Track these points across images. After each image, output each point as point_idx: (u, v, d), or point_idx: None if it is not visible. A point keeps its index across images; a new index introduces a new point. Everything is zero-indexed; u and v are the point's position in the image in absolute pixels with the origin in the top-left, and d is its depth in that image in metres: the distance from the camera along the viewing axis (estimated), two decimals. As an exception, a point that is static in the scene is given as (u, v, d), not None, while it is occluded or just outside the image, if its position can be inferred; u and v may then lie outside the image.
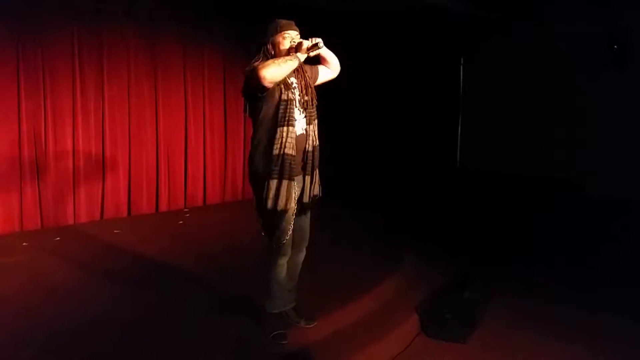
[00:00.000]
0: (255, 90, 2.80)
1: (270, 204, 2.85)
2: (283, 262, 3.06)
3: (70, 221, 5.64)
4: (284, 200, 2.86)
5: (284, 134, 2.83)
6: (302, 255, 3.22)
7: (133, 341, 3.04)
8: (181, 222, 5.92)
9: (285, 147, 2.83)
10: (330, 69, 3.16)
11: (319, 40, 2.88)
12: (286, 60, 2.76)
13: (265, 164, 2.87)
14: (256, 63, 2.84)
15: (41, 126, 5.39)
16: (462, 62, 10.51)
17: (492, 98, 9.78)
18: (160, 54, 6.23)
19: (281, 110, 2.82)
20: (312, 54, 2.89)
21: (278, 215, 2.88)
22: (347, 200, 7.28)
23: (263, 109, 2.86)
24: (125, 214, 6.08)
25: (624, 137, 7.81)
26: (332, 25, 7.77)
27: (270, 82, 2.73)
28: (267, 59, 2.87)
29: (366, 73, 8.60)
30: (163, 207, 6.39)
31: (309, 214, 3.18)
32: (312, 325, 3.24)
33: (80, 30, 5.58)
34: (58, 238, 5.08)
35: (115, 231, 5.37)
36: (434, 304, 3.78)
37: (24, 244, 4.87)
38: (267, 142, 2.87)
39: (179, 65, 6.43)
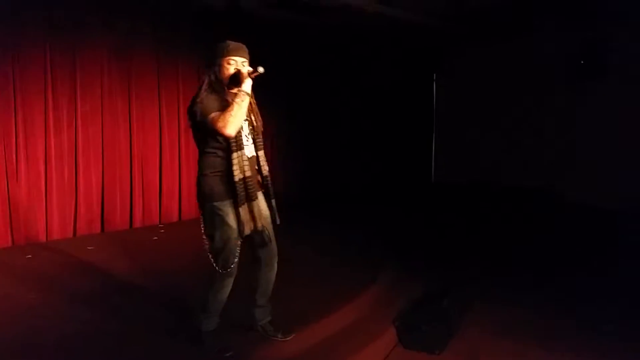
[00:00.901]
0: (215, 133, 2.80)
1: (245, 230, 2.86)
2: (229, 283, 3.02)
3: (42, 238, 5.54)
4: (250, 224, 2.88)
5: (240, 158, 2.85)
6: (274, 271, 3.21)
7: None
8: (156, 237, 5.86)
9: (244, 170, 2.86)
10: None
11: (262, 69, 2.86)
12: (239, 105, 2.75)
13: (224, 190, 2.86)
14: (204, 96, 2.84)
15: (12, 141, 5.31)
16: (434, 77, 10.70)
17: (466, 111, 9.96)
18: (134, 69, 6.21)
19: (232, 138, 2.81)
20: (253, 76, 2.87)
21: (233, 237, 2.88)
22: (323, 217, 7.32)
23: (214, 138, 2.84)
24: (98, 230, 5.99)
25: (602, 146, 7.94)
26: (303, 39, 7.89)
27: (235, 132, 2.77)
28: (212, 83, 2.89)
29: (338, 89, 8.70)
30: (137, 223, 6.31)
31: (272, 231, 3.16)
32: (289, 339, 3.24)
33: (52, 44, 5.53)
34: (30, 255, 4.98)
35: (88, 248, 5.29)
36: (411, 315, 3.80)
37: (-6, 261, 4.77)
38: (225, 169, 2.86)
39: (153, 80, 6.40)
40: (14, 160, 5.34)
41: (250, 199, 2.88)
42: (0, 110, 5.22)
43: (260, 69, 2.85)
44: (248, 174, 2.87)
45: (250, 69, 2.87)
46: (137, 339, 3.25)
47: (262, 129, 3.10)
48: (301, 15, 7.13)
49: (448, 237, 6.33)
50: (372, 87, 9.35)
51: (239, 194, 2.83)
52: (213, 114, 2.77)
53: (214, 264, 2.93)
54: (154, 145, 6.46)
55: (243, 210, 2.85)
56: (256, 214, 2.90)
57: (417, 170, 10.50)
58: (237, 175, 2.83)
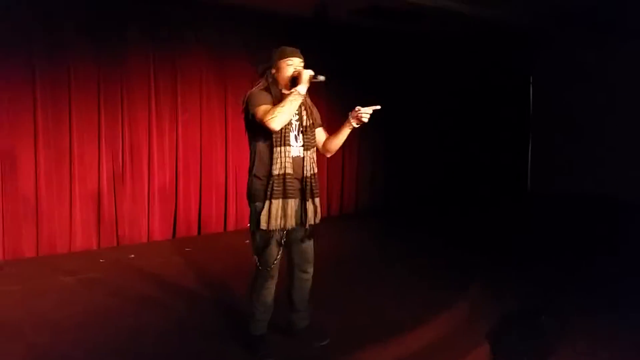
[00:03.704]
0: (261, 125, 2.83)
1: (271, 223, 2.86)
2: (270, 285, 3.04)
3: (145, 239, 5.88)
4: (279, 220, 2.87)
5: (282, 154, 2.87)
6: (306, 279, 3.18)
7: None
8: (247, 241, 5.99)
9: (285, 167, 2.87)
10: (327, 146, 3.15)
11: (323, 78, 2.90)
12: (291, 102, 2.79)
13: (264, 183, 2.90)
14: (256, 90, 2.98)
15: (119, 147, 5.69)
16: (531, 79, 10.22)
17: (566, 117, 9.40)
18: (229, 78, 6.43)
19: (277, 132, 2.84)
20: (313, 81, 2.90)
21: (270, 235, 2.90)
22: (412, 224, 7.21)
23: (263, 134, 2.89)
24: (195, 233, 6.26)
25: None
26: (391, 45, 7.81)
27: (281, 127, 2.80)
28: (269, 85, 2.98)
29: (429, 94, 8.54)
30: (231, 226, 6.53)
31: (311, 240, 3.13)
32: (324, 344, 3.18)
33: (155, 57, 5.87)
34: (133, 255, 5.30)
35: (186, 249, 5.55)
36: (506, 331, 3.65)
37: (101, 260, 5.12)
38: (268, 161, 2.91)
39: (247, 88, 6.55)
40: (120, 165, 5.71)
41: (284, 196, 2.87)
42: (109, 118, 5.59)
43: (321, 77, 2.89)
44: (289, 171, 2.88)
45: (312, 73, 2.90)
46: (189, 339, 3.33)
47: (313, 128, 3.06)
48: (392, 23, 7.07)
49: (543, 249, 6.01)
50: (464, 90, 9.10)
51: (274, 189, 2.85)
52: (263, 106, 2.85)
53: (256, 262, 2.98)
54: (248, 152, 6.62)
55: (275, 206, 2.86)
56: (288, 213, 2.89)
57: (513, 178, 10.06)
58: (277, 170, 2.86)
